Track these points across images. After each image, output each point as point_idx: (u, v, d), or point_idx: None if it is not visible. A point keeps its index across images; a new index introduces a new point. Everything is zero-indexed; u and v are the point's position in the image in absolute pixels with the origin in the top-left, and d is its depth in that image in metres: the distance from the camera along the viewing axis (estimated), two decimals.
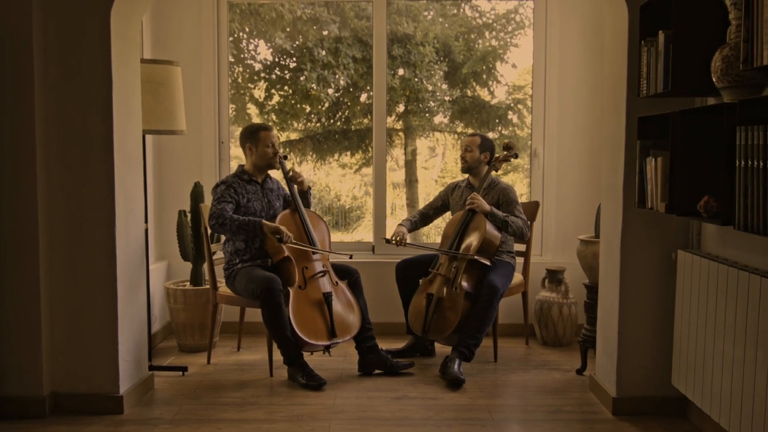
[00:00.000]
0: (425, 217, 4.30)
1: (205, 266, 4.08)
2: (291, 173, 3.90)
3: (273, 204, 3.89)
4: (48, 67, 3.11)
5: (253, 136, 3.81)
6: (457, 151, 4.38)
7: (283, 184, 4.00)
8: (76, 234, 3.16)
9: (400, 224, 4.14)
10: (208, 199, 4.18)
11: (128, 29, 3.27)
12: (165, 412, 3.24)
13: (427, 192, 5.85)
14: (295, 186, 3.93)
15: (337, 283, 3.82)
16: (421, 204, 5.53)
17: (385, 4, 4.66)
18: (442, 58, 5.19)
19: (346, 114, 5.35)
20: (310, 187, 4.03)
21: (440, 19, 5.27)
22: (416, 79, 5.15)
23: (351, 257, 3.95)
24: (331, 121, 5.39)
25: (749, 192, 2.09)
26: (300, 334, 3.54)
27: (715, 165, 2.48)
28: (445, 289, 3.82)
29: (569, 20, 4.55)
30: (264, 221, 3.65)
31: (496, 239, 3.85)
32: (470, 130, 5.25)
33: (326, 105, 5.31)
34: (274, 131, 3.87)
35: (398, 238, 4.01)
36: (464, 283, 3.78)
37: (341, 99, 5.27)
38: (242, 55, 5.19)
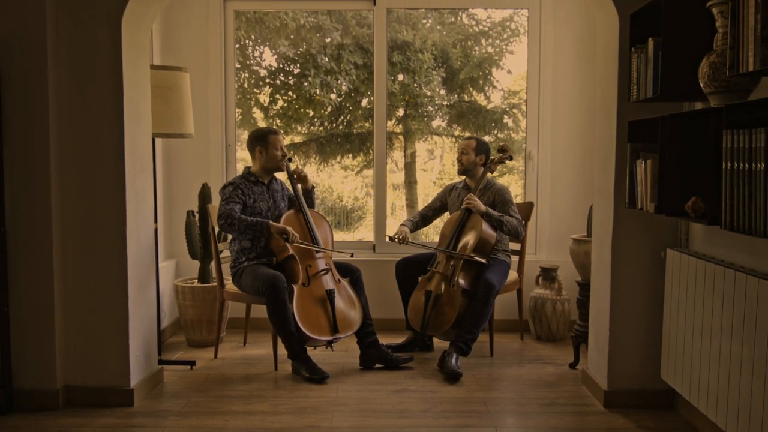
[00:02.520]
0: (425, 218, 4.30)
1: (213, 264, 4.09)
2: (295, 172, 3.90)
3: (278, 204, 3.89)
4: (61, 73, 3.11)
5: (263, 139, 3.81)
6: (454, 154, 4.38)
7: (288, 184, 4.00)
8: (88, 233, 3.17)
9: (402, 224, 4.15)
10: (215, 200, 4.18)
11: (138, 37, 3.28)
12: (174, 405, 3.24)
13: (426, 193, 5.86)
14: (299, 186, 3.93)
15: (339, 280, 3.82)
16: (420, 204, 5.53)
17: (386, 13, 4.66)
18: (440, 65, 5.19)
19: (347, 118, 5.35)
20: (314, 186, 4.02)
21: (438, 27, 5.27)
22: (415, 85, 5.15)
23: (352, 255, 3.94)
24: (334, 124, 5.39)
25: (735, 193, 2.09)
26: (304, 330, 3.54)
27: (702, 167, 2.49)
28: (443, 286, 3.83)
29: (562, 28, 4.56)
30: (271, 222, 3.66)
31: (492, 238, 3.85)
32: (467, 134, 5.25)
33: (329, 109, 5.31)
34: (281, 134, 3.88)
35: (400, 237, 4.01)
36: (461, 281, 3.78)
37: (343, 104, 5.27)
38: (248, 62, 5.20)
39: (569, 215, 4.59)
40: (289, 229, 3.64)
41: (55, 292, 3.12)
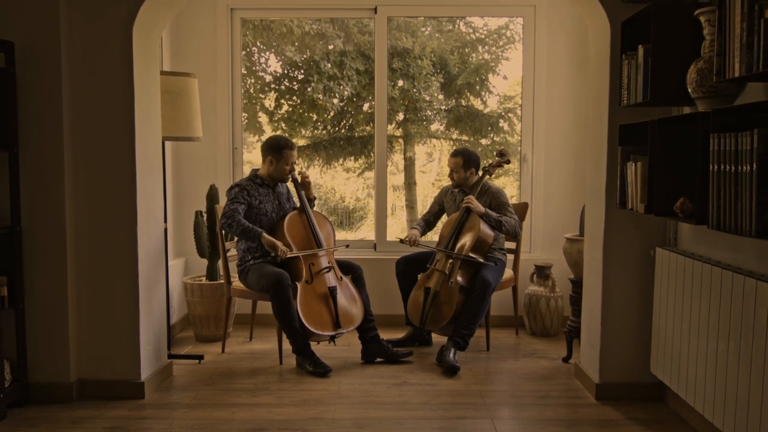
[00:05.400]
0: (428, 223, 4.31)
1: (220, 262, 4.09)
2: (303, 185, 3.90)
3: (283, 206, 3.90)
4: (74, 78, 3.11)
5: (278, 152, 3.77)
6: None
7: (292, 187, 4.00)
8: (100, 233, 3.17)
9: (413, 227, 4.19)
10: (222, 201, 4.19)
11: (149, 43, 3.28)
12: (183, 397, 3.25)
13: (425, 194, 5.86)
14: (303, 191, 3.93)
15: (341, 278, 3.82)
16: (419, 204, 5.54)
17: (386, 21, 4.66)
18: (438, 71, 5.20)
19: (349, 122, 5.36)
20: (314, 197, 4.01)
21: (437, 35, 5.28)
22: (414, 90, 5.16)
23: (347, 246, 3.95)
24: (336, 128, 5.40)
25: (721, 194, 2.09)
26: (307, 325, 3.55)
27: (690, 169, 2.49)
28: (441, 284, 3.83)
29: (556, 35, 4.56)
30: (264, 234, 3.61)
31: (489, 238, 3.86)
32: (465, 137, 5.26)
33: (332, 114, 5.32)
34: (296, 150, 3.86)
35: (411, 240, 4.03)
36: (459, 278, 3.78)
37: (345, 108, 5.28)
38: (254, 68, 5.20)
39: (563, 215, 4.59)
40: (279, 244, 3.59)
41: (69, 289, 3.13)
